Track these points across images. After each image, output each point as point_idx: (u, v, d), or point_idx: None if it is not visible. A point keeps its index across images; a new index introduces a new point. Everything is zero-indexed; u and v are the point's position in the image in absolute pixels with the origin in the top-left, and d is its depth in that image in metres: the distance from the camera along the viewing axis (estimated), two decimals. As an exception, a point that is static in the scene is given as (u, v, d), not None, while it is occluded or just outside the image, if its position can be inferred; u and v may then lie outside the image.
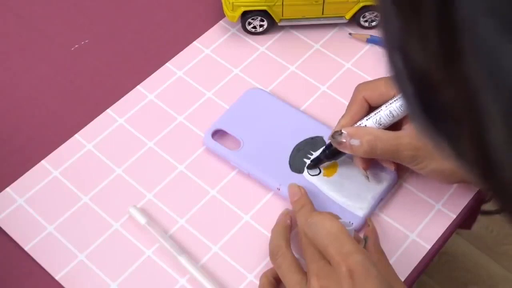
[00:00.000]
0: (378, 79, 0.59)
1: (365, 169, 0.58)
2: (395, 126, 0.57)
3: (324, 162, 0.59)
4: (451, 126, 0.22)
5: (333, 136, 0.57)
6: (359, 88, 0.59)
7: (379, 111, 0.57)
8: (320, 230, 0.48)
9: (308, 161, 0.60)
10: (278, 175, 0.60)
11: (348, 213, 0.57)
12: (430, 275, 1.29)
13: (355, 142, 0.55)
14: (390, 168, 0.59)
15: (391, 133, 0.56)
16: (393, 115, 0.56)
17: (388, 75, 0.23)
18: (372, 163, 0.59)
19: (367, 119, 0.57)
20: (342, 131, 0.56)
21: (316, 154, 0.61)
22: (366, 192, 0.59)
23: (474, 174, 0.22)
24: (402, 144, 0.55)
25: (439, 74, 0.20)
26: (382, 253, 0.53)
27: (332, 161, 0.59)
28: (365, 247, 0.52)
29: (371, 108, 0.58)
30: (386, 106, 0.56)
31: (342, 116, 0.59)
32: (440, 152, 0.23)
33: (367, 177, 0.59)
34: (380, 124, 0.56)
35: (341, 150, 0.57)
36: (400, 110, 0.56)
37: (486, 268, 1.32)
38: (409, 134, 0.55)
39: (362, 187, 0.59)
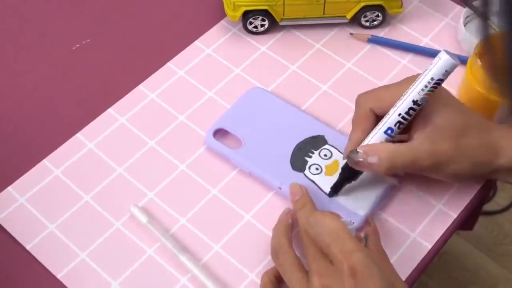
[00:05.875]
0: (376, 88, 0.58)
1: (392, 176, 0.58)
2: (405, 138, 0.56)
3: (345, 185, 0.58)
4: None
5: (348, 155, 0.55)
6: (362, 100, 0.57)
7: (393, 113, 0.54)
8: (322, 229, 0.48)
9: (309, 160, 0.60)
10: (279, 174, 0.60)
11: (349, 212, 0.57)
12: (430, 275, 1.29)
13: (373, 159, 0.54)
14: (394, 182, 0.59)
15: (406, 145, 0.54)
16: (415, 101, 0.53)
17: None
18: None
19: (380, 127, 0.55)
20: (358, 150, 0.54)
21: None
22: (368, 191, 0.59)
23: None
24: (419, 153, 0.54)
25: None
26: (383, 252, 0.53)
27: (352, 181, 0.58)
28: (366, 246, 0.52)
29: (378, 119, 0.56)
30: (394, 109, 0.54)
31: (352, 131, 0.57)
32: None
33: (397, 183, 0.59)
34: (400, 115, 0.54)
35: (359, 169, 0.55)
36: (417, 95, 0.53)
37: (486, 268, 1.32)
38: (423, 142, 0.54)
39: (363, 186, 0.59)
